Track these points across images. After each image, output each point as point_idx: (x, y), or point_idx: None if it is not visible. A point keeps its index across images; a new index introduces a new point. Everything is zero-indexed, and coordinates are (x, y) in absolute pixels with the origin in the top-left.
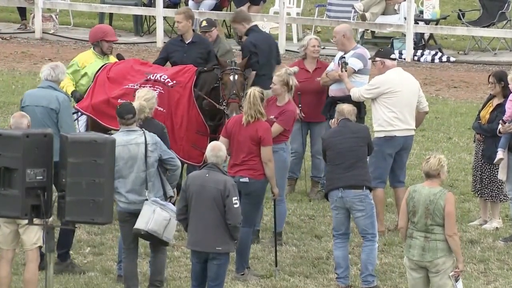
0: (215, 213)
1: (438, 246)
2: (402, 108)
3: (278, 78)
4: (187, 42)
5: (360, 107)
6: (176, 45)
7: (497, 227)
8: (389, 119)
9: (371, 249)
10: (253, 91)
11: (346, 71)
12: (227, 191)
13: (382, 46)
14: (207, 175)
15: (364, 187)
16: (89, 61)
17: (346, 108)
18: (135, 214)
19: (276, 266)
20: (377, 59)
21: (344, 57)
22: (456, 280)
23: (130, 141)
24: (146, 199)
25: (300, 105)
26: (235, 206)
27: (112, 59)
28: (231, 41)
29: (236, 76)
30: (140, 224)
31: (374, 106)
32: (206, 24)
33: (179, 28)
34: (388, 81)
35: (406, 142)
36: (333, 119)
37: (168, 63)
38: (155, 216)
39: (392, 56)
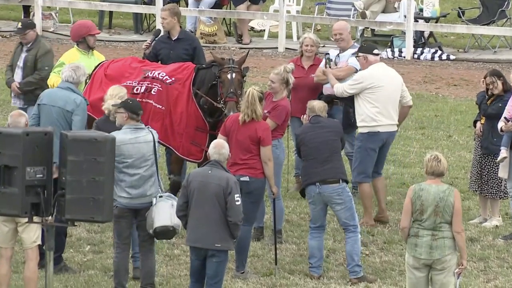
0: (216, 210)
1: (445, 244)
2: (385, 103)
3: (277, 77)
4: (173, 39)
5: (350, 116)
6: (163, 42)
7: (497, 225)
8: (372, 115)
9: (355, 240)
10: (252, 90)
11: (330, 67)
12: (229, 188)
13: (365, 41)
14: (209, 171)
15: (341, 180)
16: (75, 59)
17: (317, 105)
18: (133, 210)
19: (276, 264)
20: (360, 54)
21: (328, 53)
22: (458, 277)
23: (138, 138)
24: (161, 196)
25: (289, 98)
26: (237, 203)
27: (97, 54)
28: (230, 39)
29: (234, 75)
30: (164, 220)
31: (357, 101)
32: (20, 27)
33: (164, 25)
34: (371, 76)
35: (389, 137)
36: (305, 115)
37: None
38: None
39: (375, 51)
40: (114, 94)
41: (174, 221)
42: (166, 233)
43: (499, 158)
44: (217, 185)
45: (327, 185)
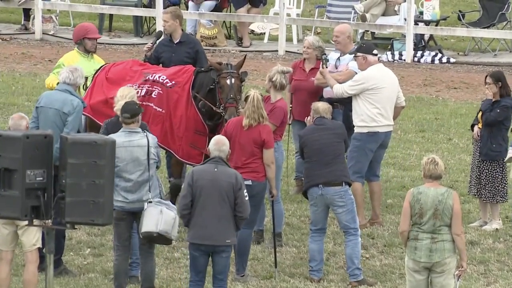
0: (225, 207)
1: (445, 247)
2: (385, 104)
3: (268, 73)
4: (175, 42)
5: (350, 120)
6: (165, 45)
7: (497, 228)
8: (373, 115)
9: (355, 243)
10: (255, 94)
11: (326, 67)
12: (239, 184)
13: (364, 42)
14: (215, 169)
15: (343, 183)
16: (74, 61)
17: (321, 106)
18: (131, 213)
19: (276, 267)
20: (359, 54)
21: (325, 54)
22: (458, 279)
23: (131, 142)
24: (150, 201)
25: (291, 105)
26: (246, 198)
27: (97, 58)
28: (231, 42)
29: (233, 80)
30: (150, 226)
31: (357, 101)
32: None
33: (166, 28)
34: (373, 77)
35: (386, 138)
36: (309, 117)
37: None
38: (164, 216)
39: (374, 51)
40: (124, 95)
41: (160, 227)
42: (152, 238)
43: (506, 159)
44: (227, 182)
45: (330, 187)
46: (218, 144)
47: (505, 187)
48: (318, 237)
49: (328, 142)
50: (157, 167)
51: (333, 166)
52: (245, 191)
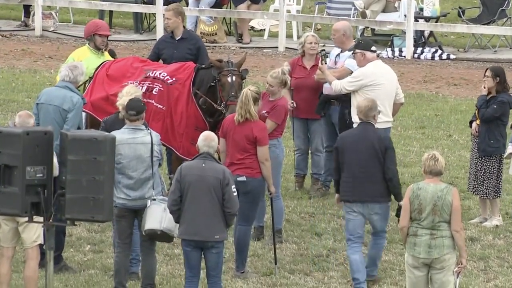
0: (213, 202)
1: (444, 243)
2: (383, 100)
3: (275, 80)
4: (177, 39)
5: (345, 117)
6: (166, 42)
7: (497, 225)
8: None
9: (381, 247)
10: (247, 91)
11: (325, 63)
12: (226, 179)
13: (363, 38)
14: (203, 164)
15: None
16: (84, 56)
17: (363, 105)
18: (133, 210)
19: (276, 263)
20: (358, 51)
21: (324, 50)
22: (458, 276)
23: (135, 139)
24: (154, 199)
25: (292, 101)
26: (234, 194)
27: (107, 55)
28: (231, 39)
29: (234, 78)
30: (154, 224)
31: (355, 97)
32: None
33: (168, 25)
34: (371, 73)
35: (385, 134)
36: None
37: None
38: (168, 214)
39: (373, 48)
40: (131, 93)
41: (164, 225)
42: (155, 236)
43: (505, 155)
44: (214, 178)
45: (374, 203)
46: (207, 140)
47: (499, 183)
48: (358, 247)
49: (368, 158)
50: (159, 165)
51: (376, 184)
52: (233, 187)
